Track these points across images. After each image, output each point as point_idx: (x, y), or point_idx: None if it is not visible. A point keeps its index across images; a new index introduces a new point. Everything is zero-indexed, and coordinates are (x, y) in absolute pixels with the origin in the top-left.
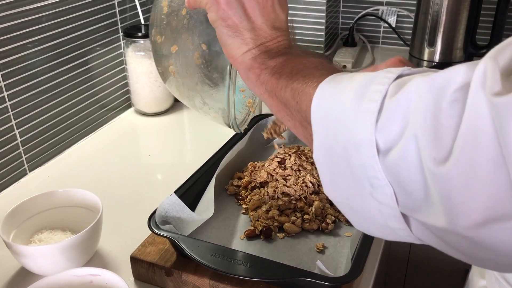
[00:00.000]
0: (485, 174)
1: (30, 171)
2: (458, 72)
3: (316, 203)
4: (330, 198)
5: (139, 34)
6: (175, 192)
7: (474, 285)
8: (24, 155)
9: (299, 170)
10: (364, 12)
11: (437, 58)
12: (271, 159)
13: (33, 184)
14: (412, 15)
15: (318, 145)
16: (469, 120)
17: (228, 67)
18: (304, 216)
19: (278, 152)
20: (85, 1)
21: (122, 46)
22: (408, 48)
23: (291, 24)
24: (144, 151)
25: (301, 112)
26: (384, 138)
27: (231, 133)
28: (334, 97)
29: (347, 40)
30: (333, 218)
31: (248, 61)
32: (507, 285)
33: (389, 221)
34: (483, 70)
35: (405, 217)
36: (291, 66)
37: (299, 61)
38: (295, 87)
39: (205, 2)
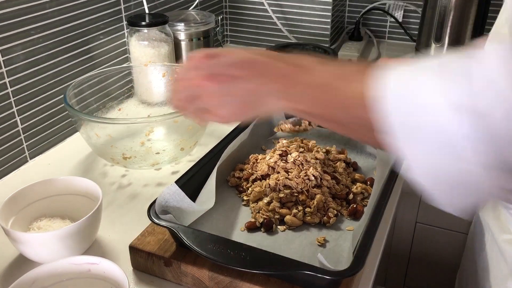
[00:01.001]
0: None
1: (30, 158)
2: None
3: (318, 196)
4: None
5: (143, 23)
6: (176, 182)
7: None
8: (25, 143)
9: (301, 164)
10: (370, 6)
11: (444, 54)
12: (272, 152)
13: (34, 171)
14: (419, 9)
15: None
16: None
17: None
18: (306, 209)
19: (280, 145)
20: None
21: (126, 35)
22: (415, 43)
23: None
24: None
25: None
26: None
27: (233, 124)
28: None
29: (353, 34)
30: (335, 212)
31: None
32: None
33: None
34: None
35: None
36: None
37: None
38: (341, 101)
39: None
